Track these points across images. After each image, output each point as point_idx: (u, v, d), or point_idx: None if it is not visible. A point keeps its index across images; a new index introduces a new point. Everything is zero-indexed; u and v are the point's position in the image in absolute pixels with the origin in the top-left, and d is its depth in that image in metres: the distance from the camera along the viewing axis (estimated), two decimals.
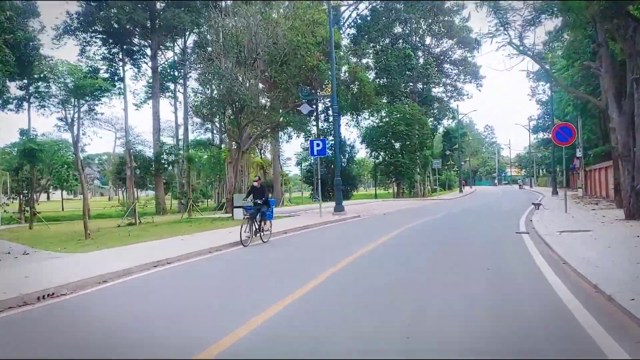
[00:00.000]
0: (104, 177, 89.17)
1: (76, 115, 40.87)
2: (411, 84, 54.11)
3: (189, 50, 42.77)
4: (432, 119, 55.88)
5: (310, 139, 34.96)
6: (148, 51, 42.20)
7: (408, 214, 23.46)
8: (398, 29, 55.05)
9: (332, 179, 28.31)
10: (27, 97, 36.76)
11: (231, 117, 21.87)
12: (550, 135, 54.86)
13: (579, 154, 34.31)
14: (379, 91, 48.49)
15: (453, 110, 60.36)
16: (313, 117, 48.07)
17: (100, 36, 40.54)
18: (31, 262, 10.08)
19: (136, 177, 50.03)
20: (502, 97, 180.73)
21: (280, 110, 24.48)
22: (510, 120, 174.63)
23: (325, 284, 7.16)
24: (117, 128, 60.90)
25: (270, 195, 15.97)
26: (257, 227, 12.31)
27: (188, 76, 42.52)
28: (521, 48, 20.55)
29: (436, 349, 4.28)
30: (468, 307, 5.60)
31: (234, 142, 24.15)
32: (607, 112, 19.10)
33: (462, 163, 75.53)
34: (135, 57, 43.12)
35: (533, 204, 23.11)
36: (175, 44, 44.84)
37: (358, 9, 52.92)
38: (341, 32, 46.60)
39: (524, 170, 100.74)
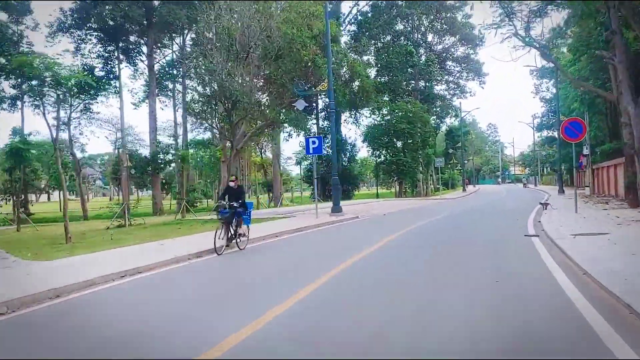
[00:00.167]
0: (105, 178, 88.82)
1: (65, 114, 40.42)
2: (413, 81, 53.09)
3: (188, 49, 41.91)
4: (434, 117, 54.80)
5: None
6: (144, 49, 41.38)
7: (408, 215, 22.44)
8: (399, 26, 54.06)
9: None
10: (20, 95, 36.04)
11: (223, 114, 20.86)
12: (554, 132, 54.29)
13: (586, 151, 33.16)
14: (380, 89, 47.52)
15: (456, 108, 59.23)
16: (313, 115, 47.28)
17: (96, 34, 39.77)
18: None
19: (134, 177, 49.38)
20: (506, 94, 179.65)
21: (276, 107, 23.42)
22: (513, 118, 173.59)
23: (300, 306, 5.81)
24: (117, 128, 60.16)
25: (248, 196, 14.85)
26: (232, 232, 11.05)
27: (187, 74, 41.60)
28: (527, 40, 19.49)
29: None
30: (474, 330, 4.60)
31: (227, 141, 23.10)
32: (618, 107, 18.09)
33: (466, 162, 74.38)
34: (131, 54, 42.20)
35: (540, 203, 22.07)
36: (174, 42, 44.03)
37: (359, 5, 51.98)
38: (341, 28, 45.60)
39: (527, 168, 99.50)
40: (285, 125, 29.02)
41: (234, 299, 6.66)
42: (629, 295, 5.20)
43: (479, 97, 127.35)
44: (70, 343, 4.91)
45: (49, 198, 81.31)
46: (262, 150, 55.71)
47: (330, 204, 24.85)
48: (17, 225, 23.18)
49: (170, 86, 45.95)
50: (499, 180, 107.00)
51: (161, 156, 39.63)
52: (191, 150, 49.47)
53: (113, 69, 41.65)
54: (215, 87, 20.11)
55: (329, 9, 24.52)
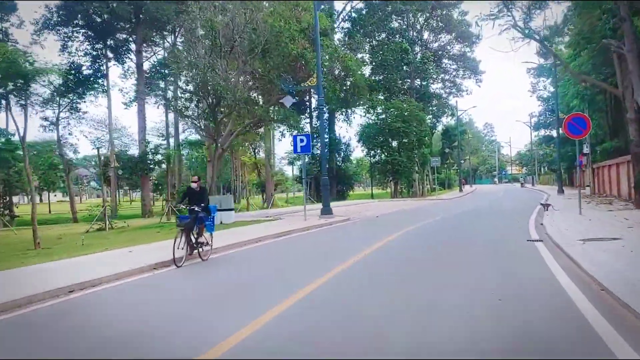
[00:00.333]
0: (98, 179, 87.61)
1: (54, 114, 39.28)
2: (408, 80, 52.09)
3: (179, 47, 40.78)
4: (430, 116, 53.75)
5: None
6: (133, 46, 40.20)
7: (402, 217, 21.37)
8: (394, 23, 53.06)
9: None
10: (4, 94, 34.90)
11: (206, 110, 19.72)
12: (552, 131, 53.25)
13: (586, 150, 32.14)
14: (375, 87, 46.44)
15: (452, 107, 58.22)
16: (307, 114, 46.20)
17: (83, 31, 38.55)
18: None
19: (124, 178, 48.20)
20: (502, 93, 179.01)
21: (262, 104, 22.29)
22: (510, 117, 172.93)
23: (264, 332, 4.82)
24: (110, 129, 58.80)
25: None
26: (194, 240, 9.63)
27: (171, 70, 40.43)
28: (527, 32, 18.46)
29: None
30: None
31: (212, 139, 21.95)
32: (623, 102, 17.10)
33: (462, 161, 73.41)
34: (120, 52, 40.94)
35: (541, 204, 21.04)
36: (165, 40, 42.83)
37: (352, 3, 50.91)
38: (335, 25, 44.52)
39: (525, 168, 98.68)
40: (276, 123, 27.85)
41: (178, 325, 5.42)
42: None
43: (475, 95, 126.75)
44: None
45: (40, 199, 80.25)
46: (256, 150, 54.69)
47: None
48: None
49: (162, 85, 44.75)
50: (496, 180, 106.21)
51: (150, 156, 38.51)
52: (184, 151, 48.42)
53: (101, 68, 40.51)
54: (199, 82, 19.00)
55: (322, 7, 23.47)
